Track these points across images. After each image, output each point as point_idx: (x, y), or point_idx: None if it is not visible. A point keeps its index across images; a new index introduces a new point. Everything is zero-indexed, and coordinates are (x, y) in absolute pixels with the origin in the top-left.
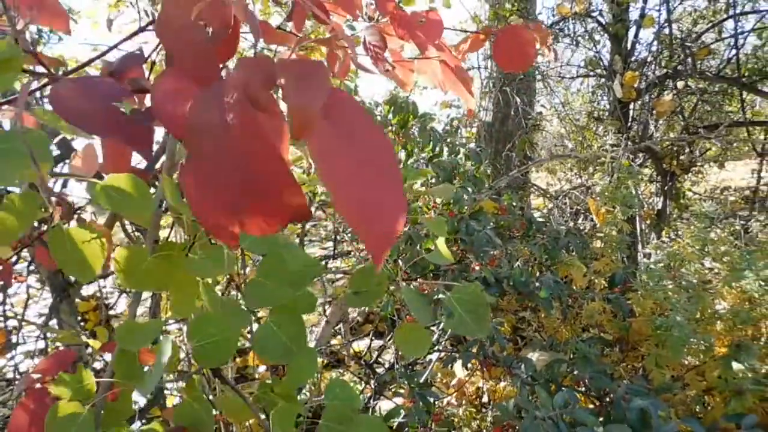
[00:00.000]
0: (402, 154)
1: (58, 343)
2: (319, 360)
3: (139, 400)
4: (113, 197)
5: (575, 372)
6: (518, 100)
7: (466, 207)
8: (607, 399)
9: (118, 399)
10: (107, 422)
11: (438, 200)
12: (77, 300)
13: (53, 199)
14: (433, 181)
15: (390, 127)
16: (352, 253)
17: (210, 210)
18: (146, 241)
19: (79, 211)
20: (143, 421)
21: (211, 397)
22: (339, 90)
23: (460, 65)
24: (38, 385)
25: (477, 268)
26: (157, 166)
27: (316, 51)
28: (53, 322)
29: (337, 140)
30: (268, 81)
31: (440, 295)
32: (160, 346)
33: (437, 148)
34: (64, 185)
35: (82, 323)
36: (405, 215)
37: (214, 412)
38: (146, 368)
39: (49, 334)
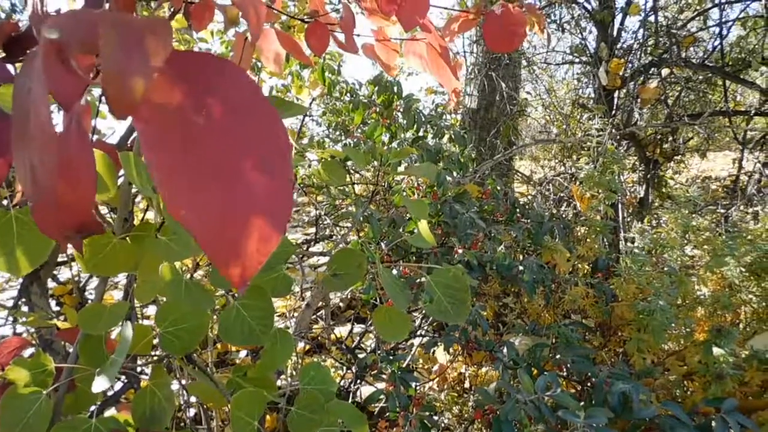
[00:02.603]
0: (386, 138)
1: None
2: (300, 345)
3: (115, 386)
4: None
5: (557, 356)
6: (504, 85)
7: (449, 190)
8: (588, 384)
9: (82, 385)
10: (73, 408)
11: (421, 183)
12: (55, 284)
13: None
14: (417, 164)
15: (375, 108)
16: (334, 237)
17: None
18: (116, 221)
19: None
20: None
21: (184, 382)
22: (199, 53)
23: (446, 47)
24: None
25: (460, 251)
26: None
27: (299, 30)
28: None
29: (181, 123)
30: (87, 41)
31: (422, 279)
32: (122, 332)
33: (422, 131)
34: None
35: (58, 307)
36: (281, 234)
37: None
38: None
39: (19, 318)
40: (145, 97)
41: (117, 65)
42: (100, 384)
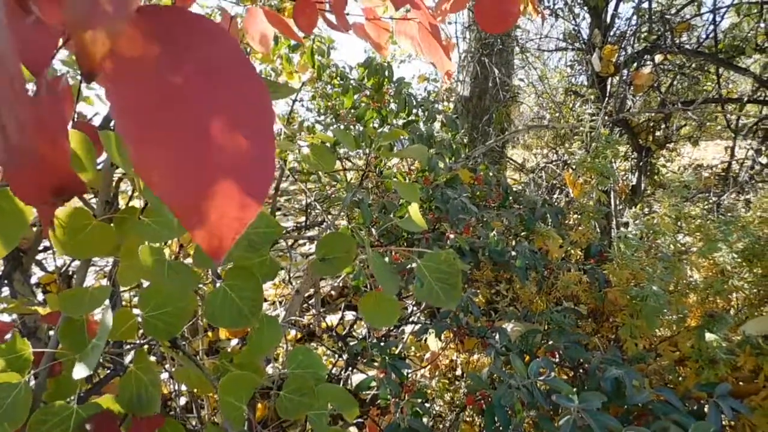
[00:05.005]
0: (376, 123)
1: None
2: (292, 333)
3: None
4: None
5: (549, 342)
6: (497, 71)
7: (441, 175)
8: (581, 370)
9: (65, 370)
10: (55, 395)
11: (413, 168)
12: (43, 274)
13: None
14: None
15: (365, 91)
16: (324, 223)
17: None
18: (97, 203)
19: None
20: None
21: (173, 370)
22: (173, 7)
23: (437, 25)
24: None
25: (452, 236)
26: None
27: (289, 16)
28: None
29: (156, 82)
30: None
31: (413, 264)
32: (102, 316)
33: (413, 114)
34: None
35: (43, 294)
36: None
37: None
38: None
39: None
40: (113, 51)
41: (80, 13)
42: (80, 370)
